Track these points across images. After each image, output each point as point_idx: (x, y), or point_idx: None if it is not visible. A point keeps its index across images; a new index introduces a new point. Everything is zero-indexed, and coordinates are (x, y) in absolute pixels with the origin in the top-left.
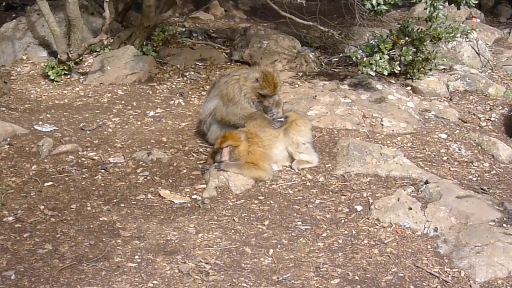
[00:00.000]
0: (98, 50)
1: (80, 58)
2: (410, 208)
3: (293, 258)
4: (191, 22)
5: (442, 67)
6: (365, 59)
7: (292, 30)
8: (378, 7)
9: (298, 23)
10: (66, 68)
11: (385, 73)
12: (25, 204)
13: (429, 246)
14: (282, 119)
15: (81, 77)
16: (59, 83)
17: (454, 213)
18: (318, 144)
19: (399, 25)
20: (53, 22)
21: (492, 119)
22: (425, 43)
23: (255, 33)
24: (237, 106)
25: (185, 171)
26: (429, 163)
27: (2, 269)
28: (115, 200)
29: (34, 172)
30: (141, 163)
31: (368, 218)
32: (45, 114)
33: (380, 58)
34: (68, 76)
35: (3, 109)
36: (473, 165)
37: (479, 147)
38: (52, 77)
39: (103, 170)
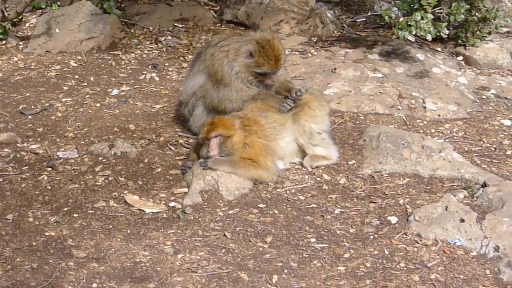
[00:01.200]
0: (43, 6)
1: (20, 17)
2: (463, 220)
3: (304, 287)
4: None
5: (505, 29)
6: (401, 19)
7: None
8: None
9: None
10: (0, 30)
11: (429, 38)
12: None
13: (487, 271)
14: (292, 101)
15: (21, 43)
16: None
17: None
18: (338, 134)
19: None
20: None
21: None
22: None
23: None
24: (231, 89)
25: (159, 169)
26: (488, 159)
27: None
28: (65, 209)
29: None
30: (100, 158)
31: (405, 234)
32: None
33: (422, 18)
34: (4, 42)
35: None
36: None
37: None
38: None
39: (49, 168)
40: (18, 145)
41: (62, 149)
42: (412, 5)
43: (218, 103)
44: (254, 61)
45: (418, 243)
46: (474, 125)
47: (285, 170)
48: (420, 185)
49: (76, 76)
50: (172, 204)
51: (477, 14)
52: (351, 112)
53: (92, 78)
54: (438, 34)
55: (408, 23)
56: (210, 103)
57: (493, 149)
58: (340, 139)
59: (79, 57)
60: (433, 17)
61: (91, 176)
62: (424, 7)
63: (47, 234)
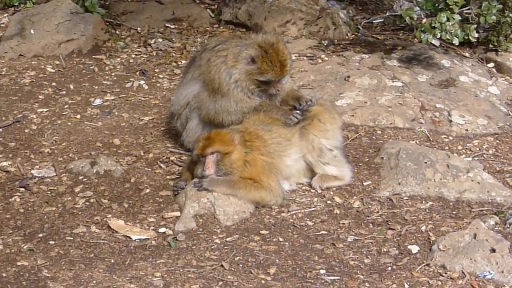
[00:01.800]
0: (16, 4)
1: None
2: (493, 250)
3: None
4: None
5: None
6: (424, 20)
7: None
8: None
9: None
10: None
11: (455, 42)
12: None
13: None
14: (300, 113)
15: None
16: None
17: None
18: (352, 151)
19: None
20: None
21: None
22: None
23: None
24: (229, 99)
25: (148, 190)
26: None
27: None
28: (40, 235)
29: None
30: (81, 178)
31: (428, 265)
32: None
33: (448, 19)
34: None
35: None
36: None
37: None
38: None
39: (22, 189)
40: None
41: (37, 166)
42: (436, 5)
43: (214, 115)
44: (257, 67)
45: (442, 276)
46: (506, 141)
47: (291, 192)
48: (445, 209)
49: (54, 84)
50: (162, 230)
51: (510, 14)
52: (366, 126)
53: (71, 86)
54: (466, 37)
55: (432, 25)
56: (206, 115)
57: None
58: (354, 157)
59: (57, 62)
60: (460, 18)
61: (70, 198)
62: (451, 6)
63: (19, 264)
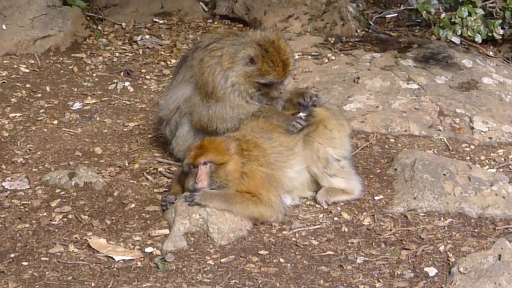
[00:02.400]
0: None
1: None
2: None
3: None
4: None
5: None
6: (443, 15)
7: None
8: None
9: None
10: None
11: (478, 39)
12: None
13: None
14: (304, 119)
15: None
16: None
17: None
18: (361, 161)
19: None
20: None
21: None
22: None
23: None
24: (224, 104)
25: (133, 205)
26: None
27: None
28: (12, 255)
29: None
30: (58, 191)
31: None
32: None
33: (470, 14)
34: None
35: None
36: None
37: None
38: None
39: None
40: None
41: (9, 178)
42: None
43: (208, 122)
44: (257, 68)
45: None
46: None
47: (294, 207)
48: (466, 227)
49: (28, 85)
50: (148, 249)
51: None
52: (378, 133)
53: (48, 88)
54: (489, 34)
55: (452, 20)
56: (198, 122)
57: None
58: (364, 168)
59: (32, 61)
60: (483, 12)
61: (45, 213)
62: (473, 0)
63: None
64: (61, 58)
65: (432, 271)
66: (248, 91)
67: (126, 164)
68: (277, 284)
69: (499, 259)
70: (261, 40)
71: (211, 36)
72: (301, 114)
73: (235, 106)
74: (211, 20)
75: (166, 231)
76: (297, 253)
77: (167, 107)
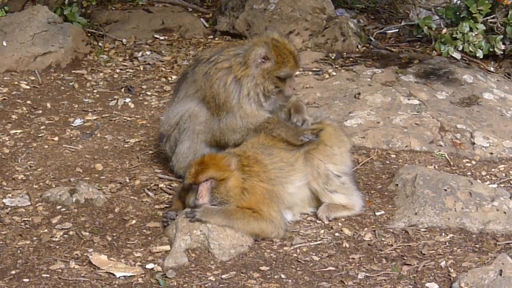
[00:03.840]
0: None
1: None
2: None
3: None
4: None
5: None
6: (444, 30)
7: None
8: None
9: None
10: None
11: (479, 54)
12: None
13: None
14: (310, 135)
15: None
16: None
17: None
18: (362, 177)
19: None
20: None
21: None
22: None
23: None
24: (234, 115)
25: (134, 222)
26: None
27: None
28: (13, 272)
29: None
30: (58, 207)
31: None
32: None
33: (471, 29)
34: None
35: None
36: None
37: None
38: None
39: None
40: None
41: (10, 195)
42: (458, 13)
43: (220, 136)
44: (274, 62)
45: None
46: None
47: (295, 223)
48: (467, 242)
49: (29, 102)
50: (149, 266)
51: None
52: (379, 149)
53: (48, 104)
54: (491, 49)
55: (453, 35)
56: (212, 137)
57: None
58: (365, 184)
59: (32, 77)
60: (484, 28)
61: (46, 230)
62: (474, 15)
63: None
64: (62, 75)
65: (433, 286)
66: (268, 88)
67: (127, 181)
68: None
69: (500, 275)
70: (266, 39)
71: (211, 51)
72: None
73: (245, 116)
74: (212, 36)
75: (167, 247)
76: (298, 269)
77: (167, 122)
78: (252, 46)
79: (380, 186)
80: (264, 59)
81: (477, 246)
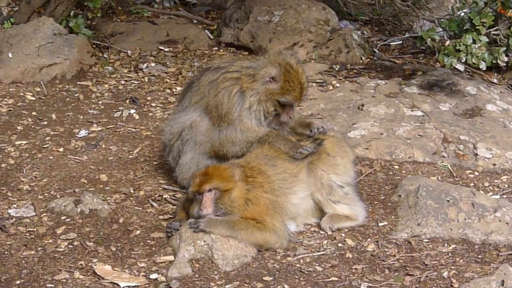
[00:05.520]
0: None
1: None
2: None
3: None
4: None
5: None
6: (447, 42)
7: None
8: None
9: None
10: None
11: (482, 66)
12: None
13: None
14: (310, 147)
15: None
16: None
17: None
18: (366, 188)
19: None
20: None
21: None
22: None
23: None
24: (234, 128)
25: (138, 232)
26: None
27: None
28: (18, 282)
29: None
30: (63, 218)
31: None
32: None
33: (474, 42)
34: None
35: None
36: None
37: None
38: None
39: None
40: None
41: (15, 205)
42: (461, 25)
43: (219, 147)
44: (279, 86)
45: None
46: None
47: (298, 234)
48: (469, 253)
49: (34, 113)
50: (153, 276)
51: None
52: (382, 160)
53: (53, 116)
54: (494, 61)
55: (457, 47)
56: (211, 148)
57: None
58: (368, 194)
59: (38, 89)
60: (487, 40)
61: (51, 240)
62: (477, 27)
63: None
64: (67, 86)
65: None
66: (268, 109)
67: (131, 191)
68: None
69: (502, 285)
70: (282, 62)
71: (221, 60)
72: (309, 145)
73: (245, 130)
74: (216, 48)
75: (171, 258)
76: (301, 279)
77: (170, 131)
78: (265, 63)
79: (383, 197)
80: (271, 80)
81: (479, 256)
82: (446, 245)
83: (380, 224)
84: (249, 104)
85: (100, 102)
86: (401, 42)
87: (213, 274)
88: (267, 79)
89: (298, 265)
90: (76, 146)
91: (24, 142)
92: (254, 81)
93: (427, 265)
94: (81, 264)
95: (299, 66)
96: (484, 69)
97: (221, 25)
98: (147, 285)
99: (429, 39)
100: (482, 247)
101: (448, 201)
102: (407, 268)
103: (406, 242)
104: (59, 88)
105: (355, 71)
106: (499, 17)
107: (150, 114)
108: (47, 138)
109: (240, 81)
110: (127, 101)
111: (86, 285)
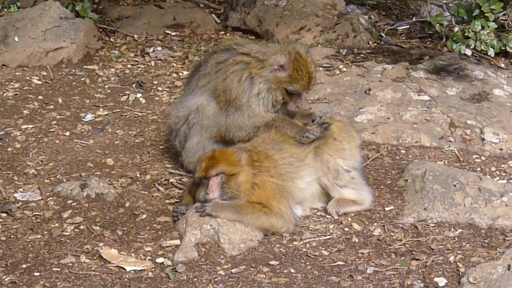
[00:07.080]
0: None
1: None
2: None
3: None
4: None
5: None
6: (456, 28)
7: None
8: None
9: None
10: None
11: (491, 52)
12: None
13: None
14: (317, 131)
15: None
16: None
17: None
18: (372, 172)
19: None
20: None
21: None
22: None
23: None
24: (242, 113)
25: (144, 216)
26: None
27: None
28: (24, 266)
29: None
30: (69, 202)
31: None
32: None
33: (483, 27)
34: None
35: None
36: None
37: None
38: None
39: (4, 214)
40: None
41: (21, 189)
42: (469, 11)
43: (225, 131)
44: (288, 75)
45: None
46: None
47: (305, 218)
48: (476, 238)
49: (40, 97)
50: (160, 260)
51: None
52: (389, 145)
53: (60, 100)
54: (503, 47)
55: (465, 33)
56: (218, 132)
57: None
58: (374, 179)
59: (44, 73)
60: (496, 26)
61: (57, 224)
62: (486, 13)
63: None
64: (73, 70)
65: (442, 281)
66: (276, 97)
67: (138, 175)
68: None
69: (509, 270)
70: (292, 50)
71: (232, 42)
72: (316, 129)
73: (252, 115)
74: (223, 32)
75: (177, 242)
76: (307, 263)
77: (176, 114)
78: (275, 50)
79: (390, 181)
80: (280, 68)
81: (485, 241)
82: (452, 229)
83: (387, 209)
84: (258, 90)
85: (106, 86)
86: (408, 26)
87: (219, 258)
88: (276, 67)
89: (304, 249)
90: (83, 130)
91: (30, 126)
92: (263, 68)
93: (433, 249)
94: (87, 248)
95: (308, 55)
96: (493, 55)
97: (228, 9)
98: (153, 269)
99: (438, 24)
100: (489, 231)
101: (454, 185)
102: (413, 253)
103: (413, 226)
104: (66, 72)
105: (362, 55)
106: (507, 1)
107: (157, 98)
108: (53, 122)
109: (249, 66)
110: (134, 85)
111: (92, 269)
